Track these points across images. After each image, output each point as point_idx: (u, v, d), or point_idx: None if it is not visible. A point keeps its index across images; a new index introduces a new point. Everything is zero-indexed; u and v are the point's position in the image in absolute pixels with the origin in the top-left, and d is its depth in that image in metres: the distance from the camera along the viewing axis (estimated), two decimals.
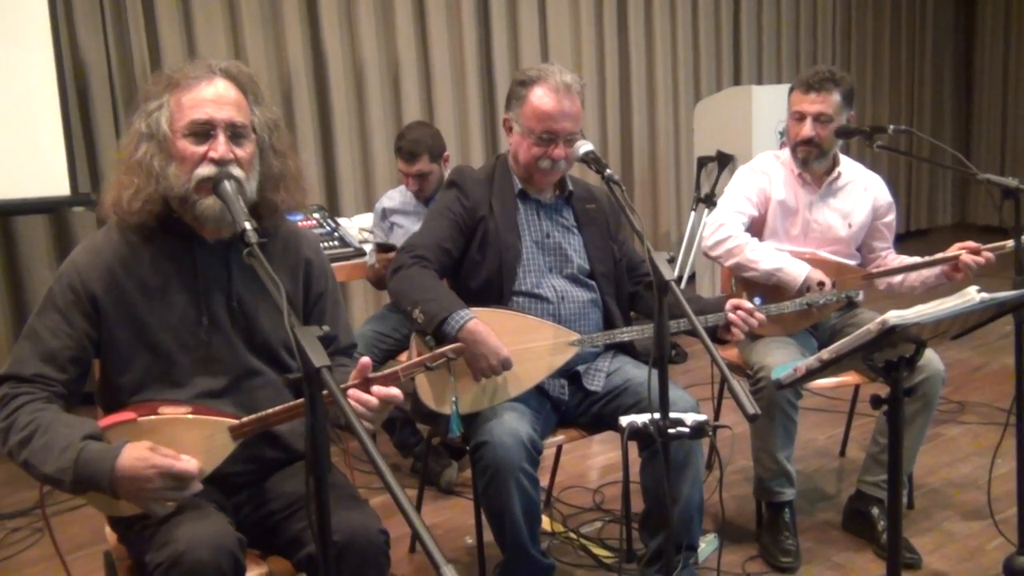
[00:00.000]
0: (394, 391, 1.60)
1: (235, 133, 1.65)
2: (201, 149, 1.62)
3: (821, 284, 2.58)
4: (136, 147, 1.65)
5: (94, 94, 4.13)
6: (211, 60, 1.70)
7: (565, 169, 2.32)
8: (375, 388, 1.58)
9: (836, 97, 2.68)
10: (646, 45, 6.05)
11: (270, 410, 1.62)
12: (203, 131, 1.63)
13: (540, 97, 2.23)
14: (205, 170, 1.61)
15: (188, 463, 1.51)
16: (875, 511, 2.64)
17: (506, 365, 2.09)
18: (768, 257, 2.65)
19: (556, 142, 2.24)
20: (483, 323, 2.07)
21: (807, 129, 2.70)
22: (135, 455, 1.49)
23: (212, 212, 1.63)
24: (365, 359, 1.61)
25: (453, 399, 2.07)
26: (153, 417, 1.61)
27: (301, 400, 1.56)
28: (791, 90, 2.76)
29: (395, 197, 3.44)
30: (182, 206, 1.66)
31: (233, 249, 1.72)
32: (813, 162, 2.75)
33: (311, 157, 4.72)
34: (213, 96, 1.64)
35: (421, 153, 3.27)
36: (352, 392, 1.57)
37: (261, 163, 1.71)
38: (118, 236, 1.70)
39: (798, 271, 2.61)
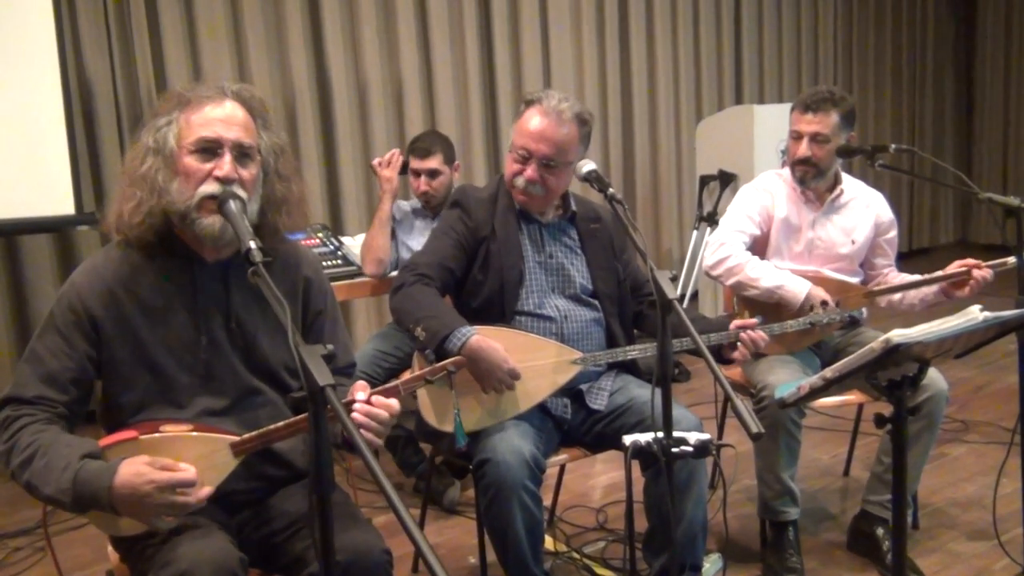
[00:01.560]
0: (393, 401, 1.60)
1: (241, 153, 1.66)
2: (206, 167, 1.63)
3: (824, 303, 2.58)
4: (142, 161, 1.66)
5: (99, 114, 4.15)
6: (224, 82, 1.72)
7: (542, 195, 2.30)
8: (376, 398, 1.59)
9: (834, 118, 2.69)
10: (648, 64, 6.08)
11: (271, 426, 1.63)
12: (210, 148, 1.64)
13: (530, 116, 2.26)
14: (209, 188, 1.62)
15: (186, 472, 1.50)
16: (880, 531, 2.63)
17: (514, 375, 2.09)
18: (769, 275, 2.66)
19: (531, 161, 2.25)
20: (486, 338, 2.08)
21: (803, 149, 2.72)
22: (132, 471, 1.48)
23: (212, 231, 1.63)
24: (362, 383, 1.62)
25: (455, 410, 2.07)
26: (155, 435, 1.61)
27: (302, 416, 1.57)
28: (792, 109, 2.78)
29: (397, 211, 3.44)
30: (182, 222, 1.66)
31: (232, 269, 1.73)
32: (810, 181, 2.76)
33: (315, 176, 4.75)
34: (223, 116, 1.65)
35: (435, 151, 3.32)
36: (363, 407, 1.57)
37: (264, 186, 1.72)
38: (118, 256, 1.70)
39: (799, 288, 2.61)
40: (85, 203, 3.65)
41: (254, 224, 1.67)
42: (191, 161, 1.64)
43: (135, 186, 1.65)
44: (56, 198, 3.49)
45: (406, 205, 3.48)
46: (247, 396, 1.74)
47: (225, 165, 1.63)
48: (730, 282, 2.72)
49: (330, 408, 1.26)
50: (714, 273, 2.74)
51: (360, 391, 1.59)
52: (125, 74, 4.21)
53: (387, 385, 1.66)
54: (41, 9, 3.42)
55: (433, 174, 3.33)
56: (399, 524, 1.09)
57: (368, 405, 1.57)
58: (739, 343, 2.20)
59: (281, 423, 1.62)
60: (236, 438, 1.62)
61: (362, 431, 1.56)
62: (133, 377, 1.68)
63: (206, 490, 1.53)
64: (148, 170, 1.65)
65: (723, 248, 2.72)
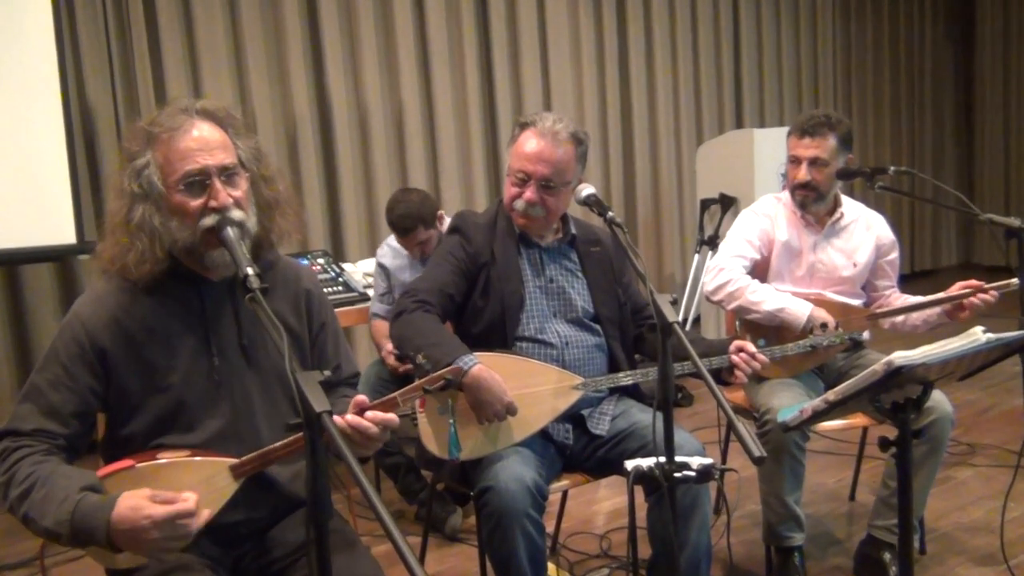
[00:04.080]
0: (390, 416, 1.58)
1: (228, 175, 1.63)
2: (199, 201, 1.60)
3: (824, 325, 2.57)
4: (130, 209, 1.62)
5: (101, 143, 4.18)
6: (183, 101, 1.67)
7: (543, 217, 2.29)
8: (369, 414, 1.56)
9: (832, 141, 2.69)
10: (648, 89, 6.12)
11: (270, 446, 1.60)
12: (198, 181, 1.60)
13: (526, 138, 2.26)
14: (208, 221, 1.60)
15: (185, 503, 1.45)
16: (887, 556, 2.59)
17: (511, 410, 2.07)
18: (770, 298, 2.65)
19: (529, 184, 2.25)
20: (488, 369, 2.06)
21: (803, 173, 2.71)
22: (130, 504, 1.44)
23: (223, 259, 1.62)
24: (361, 396, 1.60)
25: (451, 421, 2.05)
26: (152, 463, 1.59)
27: (301, 434, 1.55)
28: (789, 134, 2.78)
29: (390, 253, 3.44)
30: (189, 256, 1.65)
31: (239, 286, 1.71)
32: (811, 205, 2.76)
33: (316, 202, 4.76)
34: (199, 143, 1.61)
35: (414, 226, 3.25)
36: (350, 419, 1.54)
37: (255, 194, 1.70)
38: (119, 284, 1.67)
39: (801, 310, 2.60)
40: (87, 232, 3.65)
41: (256, 235, 1.67)
42: (182, 198, 1.60)
43: (133, 237, 1.61)
44: (57, 227, 3.50)
45: (396, 244, 3.44)
46: (257, 415, 1.71)
47: (219, 195, 1.60)
48: (731, 307, 2.71)
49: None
50: (715, 298, 2.73)
51: (358, 405, 1.58)
52: (127, 102, 4.24)
53: (384, 398, 1.65)
54: (43, 36, 3.45)
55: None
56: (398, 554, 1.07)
57: (358, 419, 1.55)
58: (736, 366, 2.18)
59: (279, 443, 1.60)
60: (235, 460, 1.61)
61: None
62: (144, 405, 1.65)
63: (205, 513, 1.49)
64: (142, 218, 1.60)
65: (723, 273, 2.71)
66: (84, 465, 1.63)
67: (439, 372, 1.77)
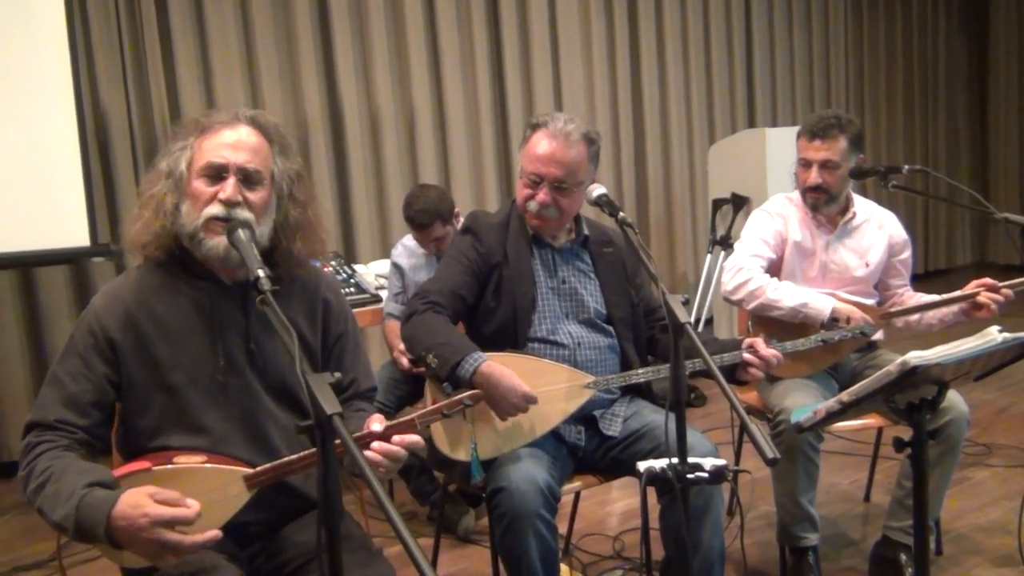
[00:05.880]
0: (415, 437, 1.59)
1: (247, 177, 1.67)
2: (212, 189, 1.65)
3: (848, 320, 2.54)
4: (154, 183, 1.70)
5: (114, 146, 4.20)
6: (241, 109, 1.75)
7: (556, 218, 2.29)
8: (396, 437, 1.57)
9: (842, 143, 2.66)
10: (660, 88, 6.11)
11: (285, 459, 1.61)
12: (217, 173, 1.66)
13: (538, 140, 2.25)
14: (213, 209, 1.64)
15: (185, 510, 1.44)
16: (903, 557, 2.58)
17: (529, 399, 2.07)
18: (792, 294, 2.62)
19: (542, 185, 2.24)
20: (496, 364, 2.06)
21: (813, 177, 2.69)
22: (131, 501, 1.44)
23: (216, 252, 1.64)
24: (377, 415, 1.60)
25: (472, 444, 2.05)
26: (168, 466, 1.60)
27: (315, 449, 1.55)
28: (798, 136, 2.76)
29: (404, 252, 3.44)
30: (191, 243, 1.68)
31: (251, 291, 1.73)
32: (823, 207, 2.74)
33: (327, 205, 4.77)
34: (233, 141, 1.68)
35: (432, 221, 3.26)
36: (379, 445, 1.55)
37: (277, 211, 1.73)
38: (137, 278, 1.72)
39: (824, 305, 2.57)
40: (100, 235, 3.68)
41: (266, 249, 1.69)
42: (199, 185, 1.66)
43: (144, 207, 1.68)
44: (71, 230, 3.52)
45: (412, 244, 3.46)
46: (261, 420, 1.73)
47: (228, 188, 1.64)
48: (752, 306, 2.68)
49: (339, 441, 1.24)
50: (735, 298, 2.70)
51: (376, 423, 1.58)
52: (140, 106, 4.26)
53: (402, 420, 1.65)
54: (57, 42, 3.47)
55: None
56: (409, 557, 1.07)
57: (387, 444, 1.55)
58: (749, 364, 2.18)
59: (295, 456, 1.61)
60: (250, 470, 1.61)
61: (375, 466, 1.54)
62: (149, 399, 1.67)
63: (211, 533, 1.46)
64: (158, 192, 1.68)
65: (742, 272, 2.69)
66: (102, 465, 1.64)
67: (458, 397, 1.77)
